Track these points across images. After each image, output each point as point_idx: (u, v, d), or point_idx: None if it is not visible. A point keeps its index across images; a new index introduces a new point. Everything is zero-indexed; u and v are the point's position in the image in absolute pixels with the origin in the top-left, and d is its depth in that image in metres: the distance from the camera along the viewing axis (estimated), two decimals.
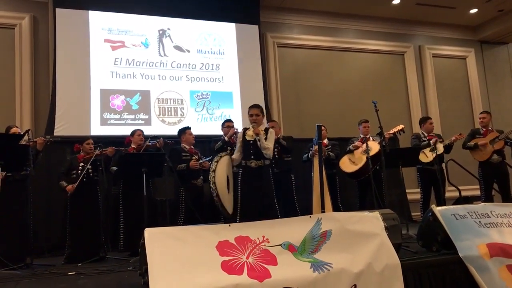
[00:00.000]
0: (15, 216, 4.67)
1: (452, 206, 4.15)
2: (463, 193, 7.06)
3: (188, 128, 5.90)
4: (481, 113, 6.82)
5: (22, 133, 4.88)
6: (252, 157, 4.96)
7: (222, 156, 4.96)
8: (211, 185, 4.70)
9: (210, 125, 7.40)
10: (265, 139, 4.93)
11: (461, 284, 3.42)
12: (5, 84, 6.69)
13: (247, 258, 2.89)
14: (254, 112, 5.05)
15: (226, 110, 7.66)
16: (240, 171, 5.03)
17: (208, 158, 5.72)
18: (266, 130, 5.05)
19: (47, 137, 5.35)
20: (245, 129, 5.15)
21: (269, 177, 5.07)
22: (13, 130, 5.03)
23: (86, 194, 5.10)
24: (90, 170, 5.11)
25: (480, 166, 6.49)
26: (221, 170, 4.83)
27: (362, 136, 6.34)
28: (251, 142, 4.97)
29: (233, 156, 5.09)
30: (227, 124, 6.20)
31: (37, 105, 6.79)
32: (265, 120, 5.63)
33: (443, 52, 9.89)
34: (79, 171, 5.07)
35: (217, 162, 4.84)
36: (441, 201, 6.10)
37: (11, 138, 4.75)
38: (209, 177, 4.75)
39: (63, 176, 5.16)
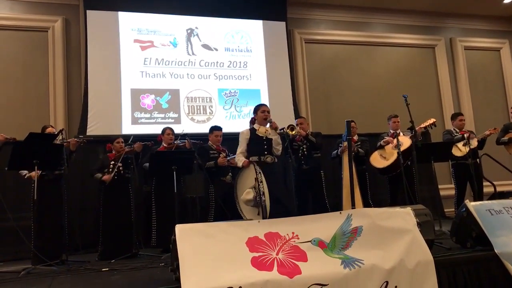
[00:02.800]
0: (51, 214, 4.78)
1: (487, 201, 4.05)
2: (498, 188, 6.86)
3: (218, 129, 5.89)
4: None
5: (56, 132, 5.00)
6: (266, 152, 5.05)
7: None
8: (261, 195, 4.68)
9: (239, 123, 7.41)
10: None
11: (498, 281, 3.33)
12: (40, 85, 6.87)
13: (277, 254, 2.89)
14: (267, 109, 5.24)
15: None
16: (261, 172, 5.03)
17: (234, 155, 5.75)
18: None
19: (80, 136, 5.48)
20: (251, 129, 5.26)
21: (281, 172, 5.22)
22: (49, 130, 5.15)
23: (118, 192, 5.19)
24: (121, 168, 5.21)
25: None
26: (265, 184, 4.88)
27: (392, 131, 6.24)
28: (264, 138, 5.07)
29: (238, 153, 5.19)
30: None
31: (70, 105, 6.95)
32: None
33: (475, 44, 9.63)
34: (110, 169, 5.17)
35: (260, 173, 4.86)
36: (478, 196, 5.96)
37: (46, 137, 4.87)
38: (258, 186, 4.75)
39: (95, 171, 5.26)
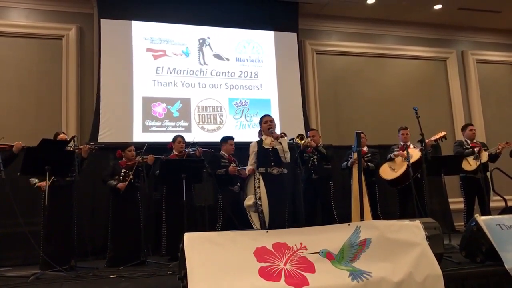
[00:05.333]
0: (61, 220, 4.81)
1: (497, 216, 4.01)
2: (510, 203, 6.79)
3: (231, 138, 5.94)
4: None
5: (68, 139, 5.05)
6: (273, 164, 5.09)
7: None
8: (257, 200, 4.81)
9: (249, 132, 7.44)
10: None
11: None
12: (53, 92, 6.96)
13: (285, 265, 2.89)
14: (269, 119, 5.32)
15: None
16: (260, 178, 5.10)
17: (245, 167, 5.76)
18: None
19: (91, 143, 5.52)
20: (259, 141, 5.35)
21: (288, 184, 5.33)
22: (61, 136, 5.21)
23: (127, 200, 5.22)
24: (131, 177, 5.24)
25: None
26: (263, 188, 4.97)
27: (402, 143, 6.22)
28: (270, 149, 5.11)
29: (248, 168, 5.30)
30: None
31: (82, 112, 7.03)
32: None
33: (487, 58, 9.58)
34: (121, 177, 5.21)
35: (259, 179, 4.95)
36: (486, 211, 5.91)
37: (58, 144, 4.93)
38: (255, 192, 4.89)
39: (108, 177, 5.30)
